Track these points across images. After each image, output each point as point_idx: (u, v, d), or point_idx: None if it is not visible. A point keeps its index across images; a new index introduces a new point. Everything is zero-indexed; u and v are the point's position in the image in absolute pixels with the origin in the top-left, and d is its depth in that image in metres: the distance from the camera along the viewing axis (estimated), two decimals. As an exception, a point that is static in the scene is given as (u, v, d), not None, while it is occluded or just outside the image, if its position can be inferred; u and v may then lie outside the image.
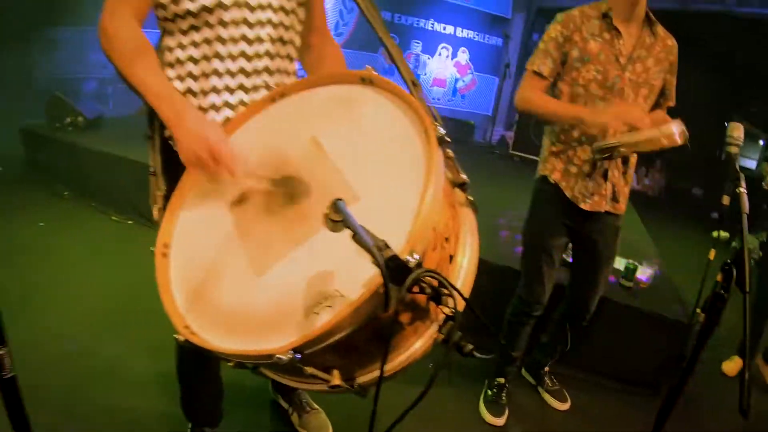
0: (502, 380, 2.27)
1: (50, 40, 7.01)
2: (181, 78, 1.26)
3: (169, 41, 1.26)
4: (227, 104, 1.27)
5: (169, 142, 1.24)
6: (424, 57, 8.80)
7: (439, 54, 9.01)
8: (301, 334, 0.80)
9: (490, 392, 2.26)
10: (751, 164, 7.33)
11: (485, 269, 2.26)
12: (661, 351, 2.52)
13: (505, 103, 9.35)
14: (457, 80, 9.26)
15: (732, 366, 2.89)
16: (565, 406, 2.35)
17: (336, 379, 0.87)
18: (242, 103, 1.28)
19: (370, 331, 0.81)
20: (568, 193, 1.95)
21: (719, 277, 1.24)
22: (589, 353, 2.61)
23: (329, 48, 1.51)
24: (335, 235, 0.75)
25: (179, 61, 1.26)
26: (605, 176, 1.92)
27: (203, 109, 1.27)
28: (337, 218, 0.74)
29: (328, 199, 0.76)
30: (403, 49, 8.79)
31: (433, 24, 8.86)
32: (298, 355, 0.79)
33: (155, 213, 1.21)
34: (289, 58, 1.38)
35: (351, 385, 0.89)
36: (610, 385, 2.58)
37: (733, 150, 1.38)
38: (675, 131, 1.62)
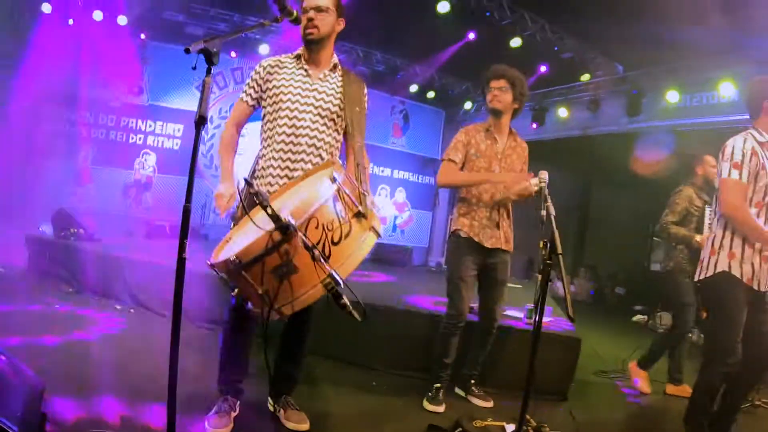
0: (438, 385, 3.07)
1: (45, 168, 7.93)
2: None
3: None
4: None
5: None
6: (367, 195, 10.43)
7: (379, 194, 10.42)
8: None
9: (430, 394, 3.04)
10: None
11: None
12: (560, 362, 3.40)
13: (440, 233, 10.84)
14: (396, 217, 10.72)
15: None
16: (489, 404, 3.15)
17: (260, 290, 1.71)
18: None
19: (275, 269, 1.70)
20: (476, 239, 3.00)
21: (544, 251, 2.19)
22: (505, 374, 3.48)
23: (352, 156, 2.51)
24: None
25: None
26: (498, 226, 3.00)
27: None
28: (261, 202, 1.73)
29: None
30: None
31: (372, 168, 10.24)
32: (239, 261, 1.69)
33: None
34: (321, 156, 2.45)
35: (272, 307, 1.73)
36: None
37: (542, 184, 2.46)
38: (530, 183, 2.72)
